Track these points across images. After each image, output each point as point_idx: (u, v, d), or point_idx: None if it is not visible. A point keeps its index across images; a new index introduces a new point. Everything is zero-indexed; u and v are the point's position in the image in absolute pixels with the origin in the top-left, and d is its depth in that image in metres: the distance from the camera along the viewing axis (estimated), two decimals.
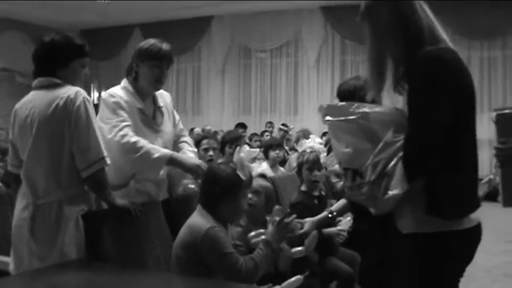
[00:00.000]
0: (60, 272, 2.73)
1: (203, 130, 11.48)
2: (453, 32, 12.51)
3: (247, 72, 15.42)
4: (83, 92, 2.95)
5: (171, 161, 3.25)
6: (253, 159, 6.81)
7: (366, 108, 2.13)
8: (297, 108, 14.95)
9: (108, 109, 3.26)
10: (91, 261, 2.95)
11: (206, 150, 4.67)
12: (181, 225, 3.06)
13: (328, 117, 2.21)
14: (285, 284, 3.14)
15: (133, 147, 3.15)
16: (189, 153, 3.50)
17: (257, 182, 3.76)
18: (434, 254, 2.12)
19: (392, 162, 2.04)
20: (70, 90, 2.92)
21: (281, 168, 6.86)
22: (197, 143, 4.54)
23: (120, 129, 3.18)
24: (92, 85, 16.53)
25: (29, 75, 3.10)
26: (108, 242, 3.09)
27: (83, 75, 3.13)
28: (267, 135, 10.85)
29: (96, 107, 3.10)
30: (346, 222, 4.34)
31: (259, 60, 15.49)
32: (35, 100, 2.98)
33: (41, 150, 2.93)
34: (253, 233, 3.27)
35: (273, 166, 6.66)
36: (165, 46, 3.39)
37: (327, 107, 2.25)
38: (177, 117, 3.73)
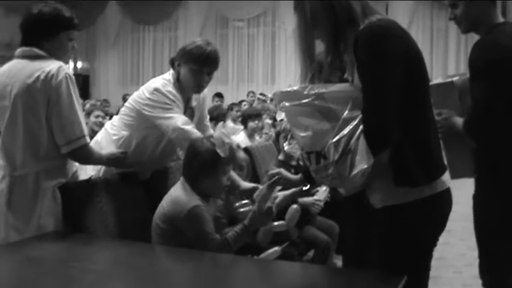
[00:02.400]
0: (38, 244, 2.72)
1: None
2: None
3: (224, 42, 15.32)
4: (65, 68, 2.91)
5: None
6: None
7: (321, 88, 2.10)
8: (274, 78, 14.91)
9: (162, 103, 3.25)
10: (69, 233, 2.95)
11: None
12: (160, 195, 3.06)
13: (283, 103, 2.18)
14: (263, 255, 3.16)
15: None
16: None
17: (240, 156, 3.76)
18: (409, 224, 2.14)
19: (354, 138, 2.02)
20: (53, 65, 2.88)
21: (257, 138, 6.87)
22: None
23: (194, 127, 3.25)
24: None
25: (2, 47, 3.06)
26: (87, 214, 3.09)
27: (70, 49, 3.08)
28: (245, 105, 10.83)
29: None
30: (322, 192, 4.38)
31: (236, 30, 15.40)
32: (16, 69, 2.94)
33: (18, 122, 2.90)
34: (237, 204, 3.25)
35: (250, 136, 6.68)
36: (210, 49, 3.33)
37: (280, 93, 2.22)
38: (206, 115, 3.75)
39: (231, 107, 10.37)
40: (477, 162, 2.99)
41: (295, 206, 3.35)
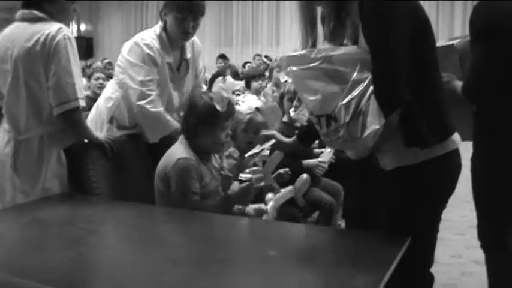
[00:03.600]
0: (44, 206, 2.75)
1: None
2: None
3: (228, 3, 15.20)
4: (65, 29, 2.88)
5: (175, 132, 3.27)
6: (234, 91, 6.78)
7: (328, 51, 2.08)
8: (278, 39, 14.82)
9: (139, 59, 3.26)
10: (74, 195, 2.98)
11: None
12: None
13: (290, 68, 2.16)
14: (278, 195, 3.14)
15: (154, 116, 3.23)
16: None
17: (257, 120, 3.72)
18: (420, 185, 2.15)
19: (365, 99, 2.00)
20: (53, 27, 2.86)
21: (262, 98, 6.83)
22: None
23: (149, 102, 3.23)
24: None
25: (4, 10, 3.03)
26: (91, 175, 3.10)
27: (71, 11, 3.06)
28: (249, 66, 10.79)
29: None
30: (326, 154, 4.37)
31: None
32: (17, 32, 2.92)
33: (20, 85, 2.90)
34: (248, 170, 3.21)
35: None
36: None
37: (287, 58, 2.20)
38: (201, 67, 3.69)
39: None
40: (475, 125, 2.99)
41: (305, 175, 3.34)
